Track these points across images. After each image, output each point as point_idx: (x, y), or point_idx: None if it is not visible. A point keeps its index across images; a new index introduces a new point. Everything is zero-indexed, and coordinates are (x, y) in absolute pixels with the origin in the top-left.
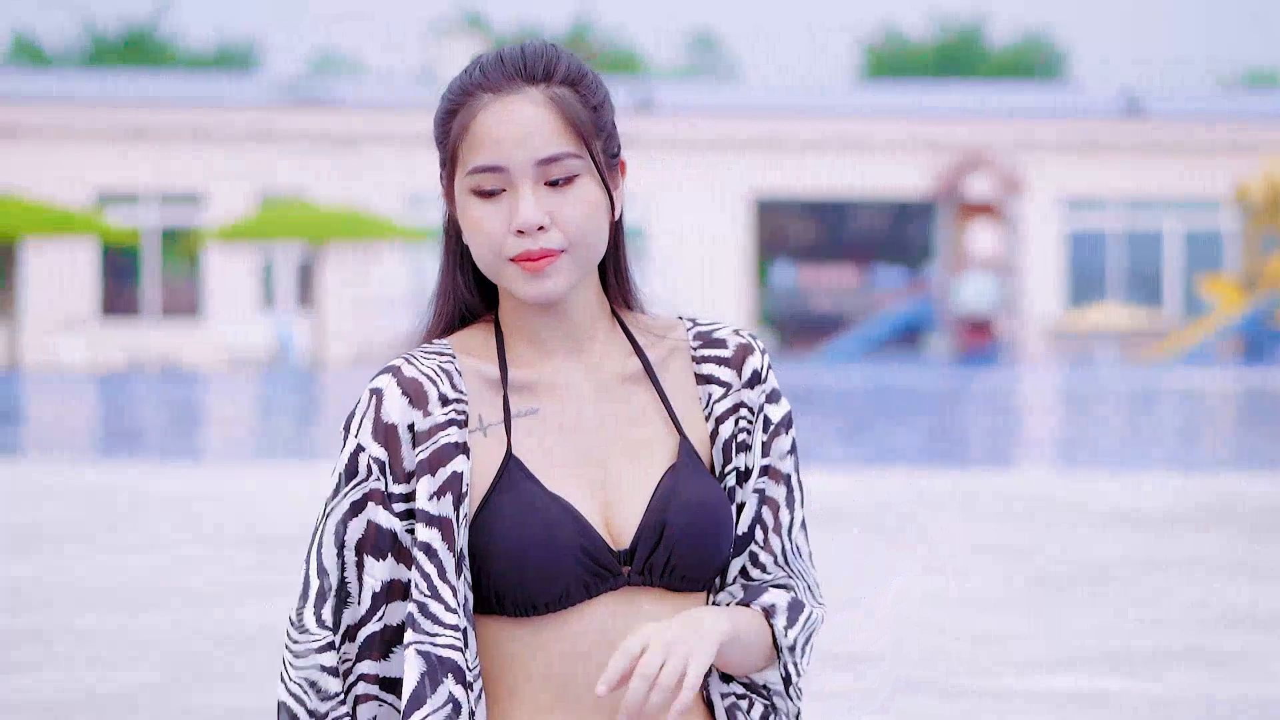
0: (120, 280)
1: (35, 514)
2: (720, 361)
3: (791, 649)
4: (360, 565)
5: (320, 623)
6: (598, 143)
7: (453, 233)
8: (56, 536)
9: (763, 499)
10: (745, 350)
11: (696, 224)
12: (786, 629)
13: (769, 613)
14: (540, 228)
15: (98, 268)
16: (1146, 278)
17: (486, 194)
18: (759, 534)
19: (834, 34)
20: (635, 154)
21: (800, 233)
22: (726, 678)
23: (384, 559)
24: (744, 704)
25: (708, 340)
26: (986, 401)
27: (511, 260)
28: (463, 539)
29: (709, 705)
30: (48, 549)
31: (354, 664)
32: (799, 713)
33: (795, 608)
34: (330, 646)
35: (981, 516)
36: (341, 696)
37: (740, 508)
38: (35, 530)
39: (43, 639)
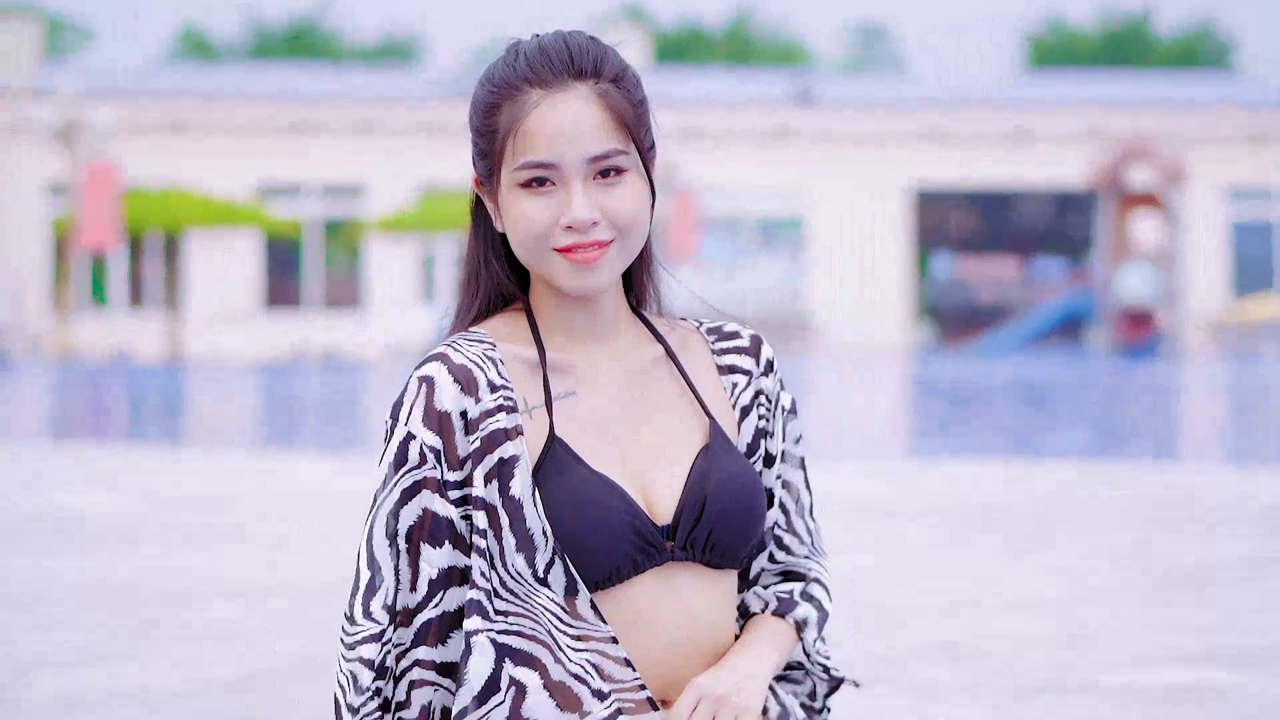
0: (282, 272)
1: (172, 503)
2: (740, 351)
3: (818, 653)
4: (415, 552)
5: (368, 615)
6: (642, 137)
7: (481, 218)
8: (188, 526)
9: (783, 484)
10: (758, 341)
11: (856, 216)
12: (816, 641)
13: (800, 626)
14: (593, 223)
15: (260, 259)
16: None
17: (536, 188)
18: (781, 518)
19: (999, 24)
20: (795, 146)
21: (960, 224)
22: None
23: (441, 546)
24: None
25: (722, 334)
26: (1138, 396)
27: (558, 250)
28: (532, 520)
29: None
30: (180, 539)
31: (409, 649)
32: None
33: (822, 619)
34: (374, 639)
35: (1112, 512)
36: (372, 691)
37: (769, 494)
38: (170, 520)
39: (163, 628)
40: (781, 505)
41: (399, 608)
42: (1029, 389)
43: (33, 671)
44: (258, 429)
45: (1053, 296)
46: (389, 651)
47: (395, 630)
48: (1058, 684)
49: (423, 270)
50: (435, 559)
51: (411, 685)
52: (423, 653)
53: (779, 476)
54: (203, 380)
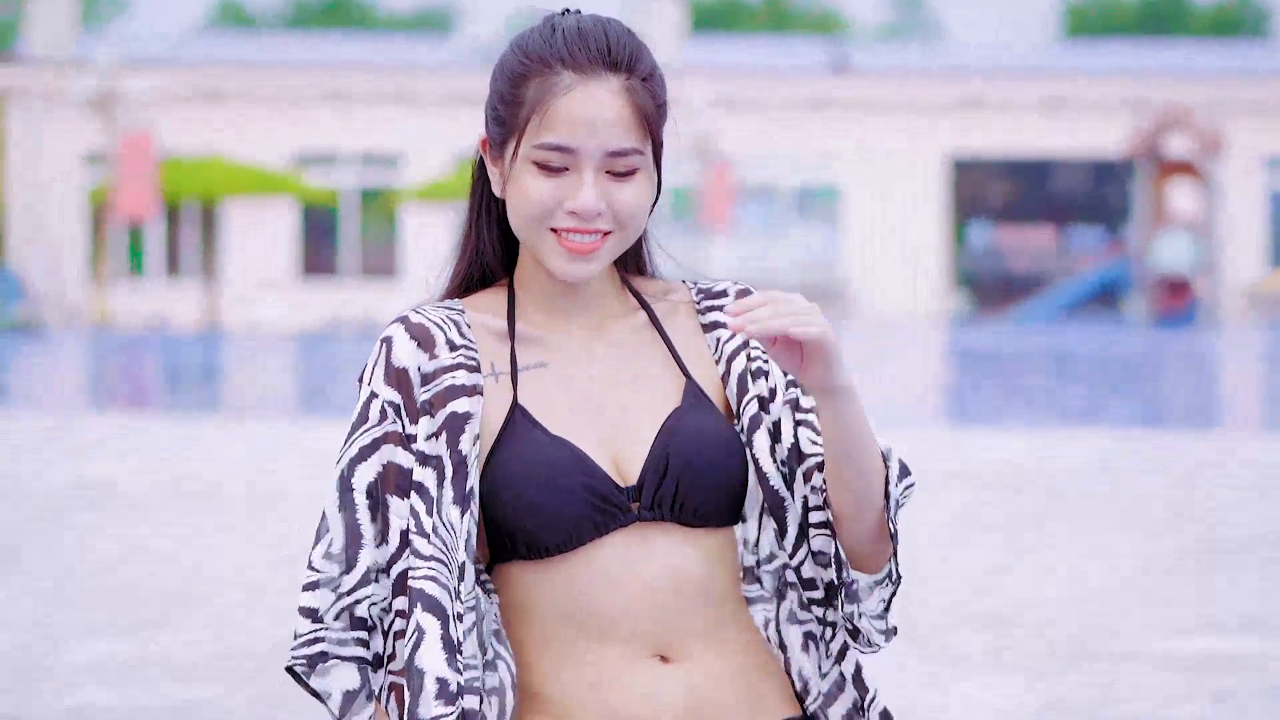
0: (319, 241)
1: (201, 475)
2: (724, 309)
3: (896, 501)
4: (384, 506)
5: (309, 564)
6: (659, 139)
7: (481, 182)
8: (215, 498)
9: (795, 406)
10: (745, 294)
11: (892, 184)
12: (899, 478)
13: (885, 455)
14: (597, 214)
15: (297, 229)
16: None
17: (550, 167)
18: (809, 434)
19: None
20: (831, 115)
21: (998, 193)
22: (804, 605)
23: (407, 497)
24: (825, 632)
25: (709, 294)
26: (1175, 365)
27: (555, 230)
28: (473, 479)
29: (782, 646)
30: (207, 510)
31: (391, 600)
32: (891, 630)
33: (904, 467)
34: (310, 586)
35: (1147, 482)
36: (307, 638)
37: (777, 425)
38: (198, 492)
39: (189, 600)
40: (808, 425)
41: (364, 563)
42: (1065, 358)
43: (62, 641)
44: (290, 400)
45: (1090, 265)
46: (366, 603)
47: (372, 583)
48: (1091, 653)
49: None
50: (403, 510)
51: (396, 636)
52: (400, 603)
53: (786, 402)
54: (238, 350)
